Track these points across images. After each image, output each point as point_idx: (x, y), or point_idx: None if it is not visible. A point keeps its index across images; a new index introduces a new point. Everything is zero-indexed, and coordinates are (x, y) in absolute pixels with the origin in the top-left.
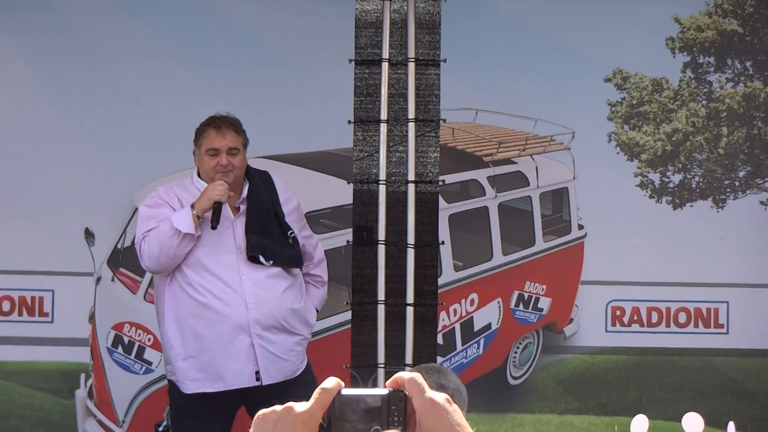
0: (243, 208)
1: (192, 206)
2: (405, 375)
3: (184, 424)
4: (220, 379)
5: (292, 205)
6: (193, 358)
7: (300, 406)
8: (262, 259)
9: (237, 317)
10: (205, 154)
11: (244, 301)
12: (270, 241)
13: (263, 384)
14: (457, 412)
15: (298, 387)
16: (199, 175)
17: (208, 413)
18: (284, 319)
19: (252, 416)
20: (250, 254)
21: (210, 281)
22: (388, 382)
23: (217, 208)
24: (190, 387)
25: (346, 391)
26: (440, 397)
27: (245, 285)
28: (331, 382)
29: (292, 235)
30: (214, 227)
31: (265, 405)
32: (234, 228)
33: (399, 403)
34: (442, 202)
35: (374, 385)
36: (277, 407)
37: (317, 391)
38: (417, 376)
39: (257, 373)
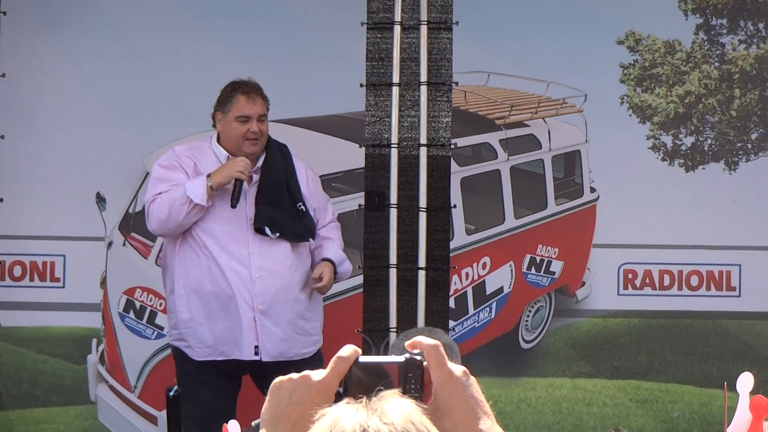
0: (255, 177)
1: (209, 176)
2: (425, 341)
3: (191, 389)
4: (223, 349)
5: (311, 188)
6: (201, 326)
7: (317, 375)
8: (268, 231)
9: (242, 290)
10: (234, 120)
11: (250, 275)
12: (279, 213)
13: (262, 360)
14: (474, 386)
15: (304, 367)
16: (218, 140)
17: (214, 379)
18: (289, 298)
19: (259, 386)
20: (257, 225)
21: (218, 252)
22: (407, 342)
23: (238, 185)
24: (198, 354)
25: (363, 359)
26: (458, 369)
27: (252, 258)
28: (347, 350)
29: (301, 207)
30: (233, 206)
31: (267, 380)
32: (246, 198)
33: (416, 371)
34: (454, 166)
35: (386, 349)
36: (294, 375)
37: (333, 359)
38: (438, 345)
39: (256, 347)
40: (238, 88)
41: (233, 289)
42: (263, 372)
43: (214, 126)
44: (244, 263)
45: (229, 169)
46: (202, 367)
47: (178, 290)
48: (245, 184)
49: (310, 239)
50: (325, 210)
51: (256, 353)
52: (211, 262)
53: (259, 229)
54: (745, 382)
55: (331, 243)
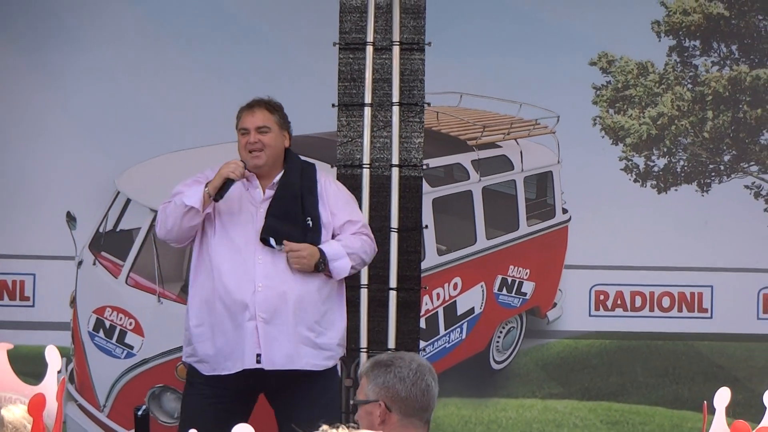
0: (270, 193)
1: (207, 184)
2: None
3: (190, 398)
4: (227, 363)
5: (335, 204)
6: (207, 340)
7: None
8: (272, 242)
9: (244, 300)
10: (239, 134)
11: (253, 284)
12: (288, 226)
13: (265, 368)
14: None
15: (315, 384)
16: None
17: (218, 392)
18: (294, 308)
19: (270, 400)
20: (262, 236)
21: (225, 263)
22: None
23: (228, 183)
24: (206, 369)
25: None
26: None
27: (257, 268)
28: None
29: (308, 222)
30: (216, 200)
31: (276, 393)
32: (258, 211)
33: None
34: (425, 186)
35: (356, 369)
36: None
37: None
38: None
39: (258, 356)
40: (247, 104)
41: (236, 299)
42: (272, 386)
43: None
44: (248, 273)
45: (222, 171)
46: (210, 382)
47: (190, 303)
48: (260, 192)
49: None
50: (350, 224)
51: (258, 361)
52: (217, 274)
53: (263, 240)
54: (722, 397)
55: (335, 241)
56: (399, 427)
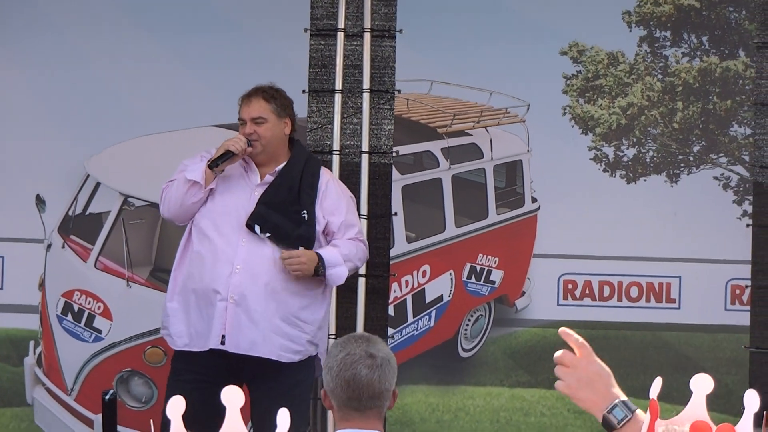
0: (269, 179)
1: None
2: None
3: (172, 383)
4: (199, 339)
5: (332, 203)
6: (181, 315)
7: None
8: (257, 229)
9: (220, 279)
10: (239, 124)
11: (231, 265)
12: (278, 216)
13: (228, 350)
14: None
15: (286, 376)
16: None
17: (195, 377)
18: (269, 294)
19: (235, 382)
20: (248, 222)
21: (208, 244)
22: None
23: (226, 154)
24: (176, 343)
25: None
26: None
27: (239, 250)
28: None
29: (304, 214)
30: (210, 167)
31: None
32: (251, 195)
33: None
34: (395, 174)
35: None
36: None
37: None
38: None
39: (223, 336)
40: (245, 93)
41: (212, 279)
42: (246, 372)
43: None
44: (228, 255)
45: (225, 143)
46: (184, 363)
47: (172, 278)
48: (258, 177)
49: (309, 247)
50: (348, 228)
51: (222, 342)
52: (198, 252)
53: (249, 227)
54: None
55: (332, 247)
56: (339, 417)
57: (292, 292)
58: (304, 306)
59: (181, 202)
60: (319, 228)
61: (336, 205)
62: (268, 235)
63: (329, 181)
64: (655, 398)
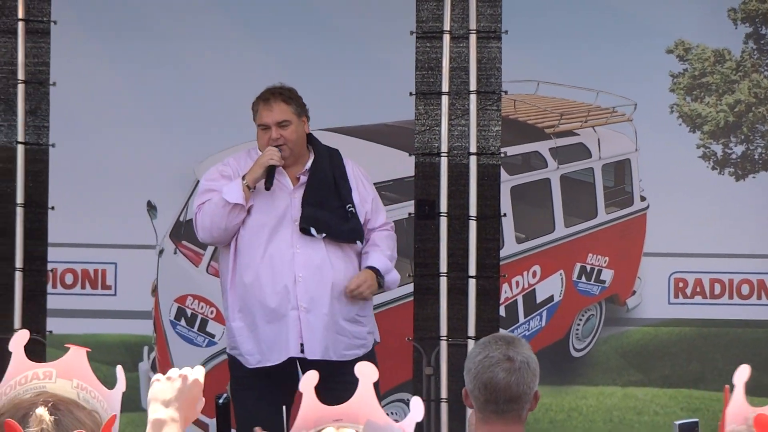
0: (303, 179)
1: (243, 176)
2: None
3: (240, 394)
4: (272, 355)
5: (362, 190)
6: (250, 333)
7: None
8: (313, 231)
9: (285, 290)
10: (258, 129)
11: (294, 275)
12: (326, 214)
13: (307, 358)
14: None
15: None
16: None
17: (264, 386)
18: (334, 297)
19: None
20: (302, 226)
21: (264, 253)
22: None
23: (270, 170)
24: (250, 362)
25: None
26: None
27: (296, 258)
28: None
29: (351, 209)
30: (267, 188)
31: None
32: (292, 199)
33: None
34: (503, 174)
35: (437, 358)
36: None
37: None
38: None
39: (302, 345)
40: (260, 96)
41: (276, 291)
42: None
43: None
44: (287, 263)
45: (260, 161)
46: (255, 375)
47: (228, 297)
48: (289, 180)
49: (358, 241)
50: (377, 213)
51: (302, 351)
52: (254, 265)
53: (304, 230)
54: (742, 374)
55: (379, 252)
56: (479, 419)
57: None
58: (364, 303)
59: (225, 225)
60: (362, 218)
61: (366, 190)
62: (324, 235)
63: (354, 168)
64: (741, 385)
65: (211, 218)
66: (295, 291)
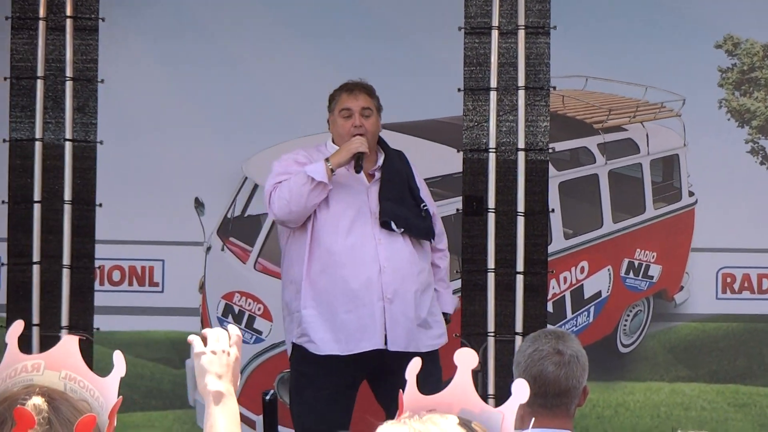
0: (377, 175)
1: (327, 160)
2: None
3: (307, 393)
4: (348, 343)
5: (428, 197)
6: (325, 320)
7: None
8: (393, 225)
9: (371, 280)
10: (339, 116)
11: (378, 264)
12: (403, 209)
13: (389, 349)
14: None
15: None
16: (333, 142)
17: (332, 385)
18: (416, 290)
19: (373, 388)
20: (382, 219)
21: (345, 243)
22: None
23: (359, 156)
24: (321, 348)
25: None
26: None
27: (379, 248)
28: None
29: (425, 207)
30: (357, 171)
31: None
32: (368, 194)
33: None
34: (551, 170)
35: (485, 353)
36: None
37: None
38: None
39: (386, 336)
40: (344, 87)
41: (361, 280)
42: (387, 367)
43: (329, 130)
44: (371, 254)
45: (347, 148)
46: (322, 368)
47: (303, 285)
48: (363, 176)
49: (432, 240)
50: (442, 235)
51: (385, 342)
52: (336, 256)
53: (384, 224)
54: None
55: (448, 292)
56: (527, 413)
57: (427, 284)
58: (429, 295)
59: (305, 202)
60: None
61: (427, 192)
62: (402, 230)
63: (416, 172)
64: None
65: (290, 194)
66: (379, 282)
